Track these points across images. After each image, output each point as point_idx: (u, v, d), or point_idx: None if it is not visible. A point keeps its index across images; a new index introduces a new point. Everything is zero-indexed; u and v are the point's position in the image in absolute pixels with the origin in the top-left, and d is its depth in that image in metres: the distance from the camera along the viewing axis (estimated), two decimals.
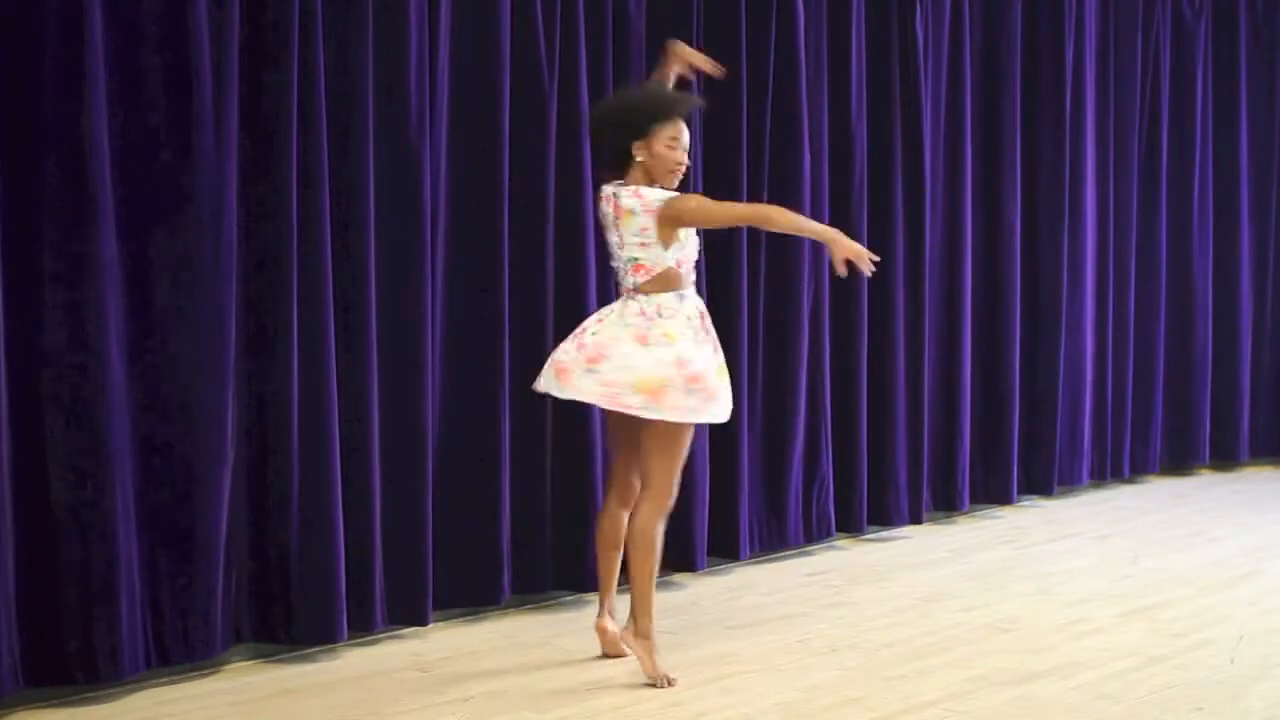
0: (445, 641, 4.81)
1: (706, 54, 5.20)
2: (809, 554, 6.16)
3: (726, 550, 5.83)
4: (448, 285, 4.99)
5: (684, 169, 4.44)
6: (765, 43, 5.89)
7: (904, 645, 4.75)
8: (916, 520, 6.73)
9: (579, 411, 5.20)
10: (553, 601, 5.30)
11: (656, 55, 5.36)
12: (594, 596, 4.84)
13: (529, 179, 5.15)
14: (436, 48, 4.90)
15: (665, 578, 5.63)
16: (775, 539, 6.08)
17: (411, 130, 4.78)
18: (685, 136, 4.42)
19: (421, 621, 4.85)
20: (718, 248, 5.72)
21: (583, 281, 5.27)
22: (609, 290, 5.35)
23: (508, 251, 5.04)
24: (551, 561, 5.22)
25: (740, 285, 5.83)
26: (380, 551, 4.75)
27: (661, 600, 5.34)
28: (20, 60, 4.01)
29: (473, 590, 5.05)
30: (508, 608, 5.18)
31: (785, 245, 5.97)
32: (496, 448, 5.01)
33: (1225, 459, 8.56)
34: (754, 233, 5.89)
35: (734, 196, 5.76)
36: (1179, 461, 8.41)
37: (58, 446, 4.11)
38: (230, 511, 4.45)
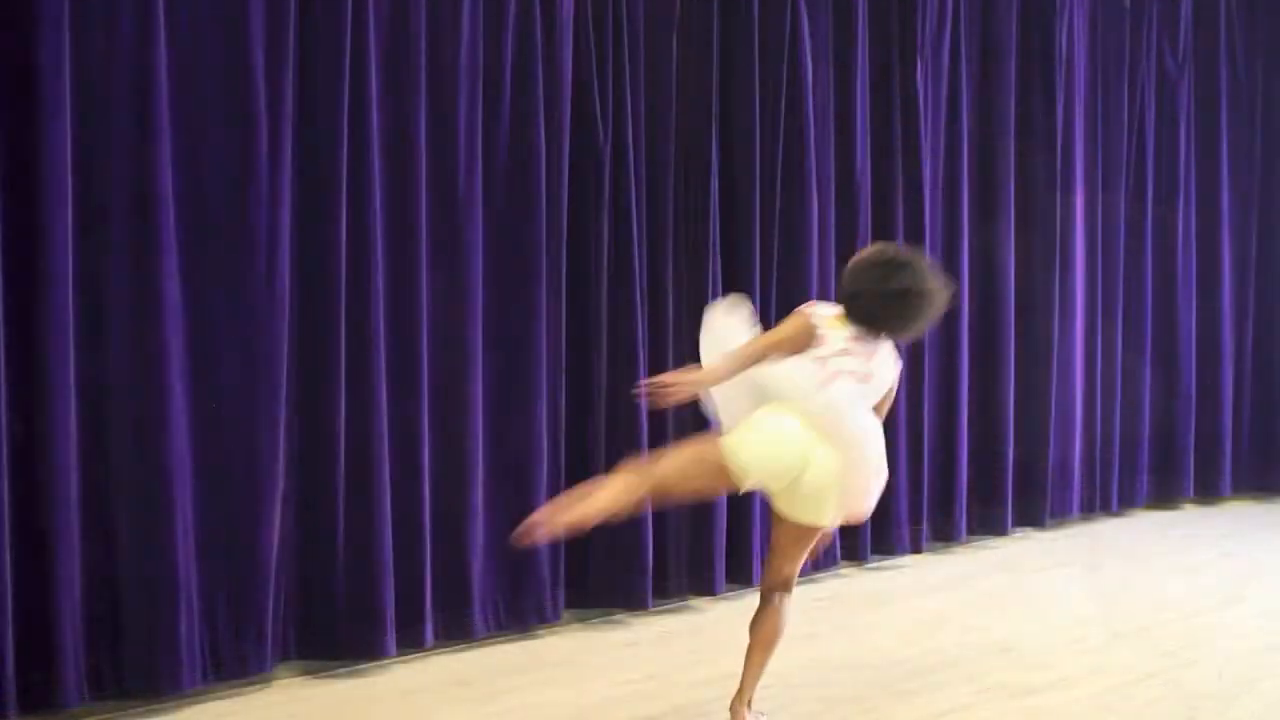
0: (493, 659, 5.09)
1: (722, 108, 5.56)
2: (816, 581, 6.43)
3: (741, 577, 6.11)
4: (493, 316, 5.30)
5: None
6: (777, 100, 6.24)
7: (913, 663, 5.04)
8: (916, 550, 7.02)
9: (629, 436, 5.52)
10: (604, 622, 5.59)
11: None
12: (641, 616, 5.13)
13: (577, 223, 5.53)
14: (495, 93, 5.25)
15: (685, 602, 5.92)
16: None
17: (460, 175, 5.14)
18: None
19: (469, 638, 5.16)
20: (733, 277, 6.12)
21: (631, 314, 5.65)
22: (664, 322, 5.74)
23: (544, 283, 5.38)
24: (604, 582, 5.52)
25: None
26: (430, 570, 5.04)
27: (685, 622, 5.66)
28: (92, 117, 4.31)
29: (524, 608, 5.36)
30: (558, 626, 5.47)
31: (793, 277, 6.34)
32: (547, 469, 5.34)
33: (1209, 493, 8.84)
34: (765, 262, 6.24)
35: (748, 241, 6.11)
36: (1164, 495, 8.69)
37: (123, 472, 4.39)
38: (282, 533, 4.74)
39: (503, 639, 5.31)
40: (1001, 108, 7.45)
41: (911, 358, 6.93)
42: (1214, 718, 4.44)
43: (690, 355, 5.88)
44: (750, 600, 5.98)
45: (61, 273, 4.21)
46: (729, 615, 5.79)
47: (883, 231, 6.80)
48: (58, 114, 4.18)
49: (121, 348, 4.39)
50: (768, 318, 6.26)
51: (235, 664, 4.65)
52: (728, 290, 6.07)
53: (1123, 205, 8.27)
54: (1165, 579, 6.58)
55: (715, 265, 6.01)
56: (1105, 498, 8.27)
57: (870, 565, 6.81)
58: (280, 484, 4.73)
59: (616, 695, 4.60)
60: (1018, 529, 7.66)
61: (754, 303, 6.16)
